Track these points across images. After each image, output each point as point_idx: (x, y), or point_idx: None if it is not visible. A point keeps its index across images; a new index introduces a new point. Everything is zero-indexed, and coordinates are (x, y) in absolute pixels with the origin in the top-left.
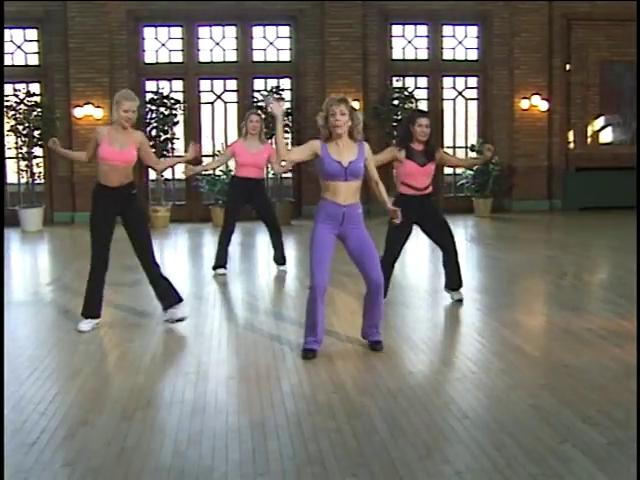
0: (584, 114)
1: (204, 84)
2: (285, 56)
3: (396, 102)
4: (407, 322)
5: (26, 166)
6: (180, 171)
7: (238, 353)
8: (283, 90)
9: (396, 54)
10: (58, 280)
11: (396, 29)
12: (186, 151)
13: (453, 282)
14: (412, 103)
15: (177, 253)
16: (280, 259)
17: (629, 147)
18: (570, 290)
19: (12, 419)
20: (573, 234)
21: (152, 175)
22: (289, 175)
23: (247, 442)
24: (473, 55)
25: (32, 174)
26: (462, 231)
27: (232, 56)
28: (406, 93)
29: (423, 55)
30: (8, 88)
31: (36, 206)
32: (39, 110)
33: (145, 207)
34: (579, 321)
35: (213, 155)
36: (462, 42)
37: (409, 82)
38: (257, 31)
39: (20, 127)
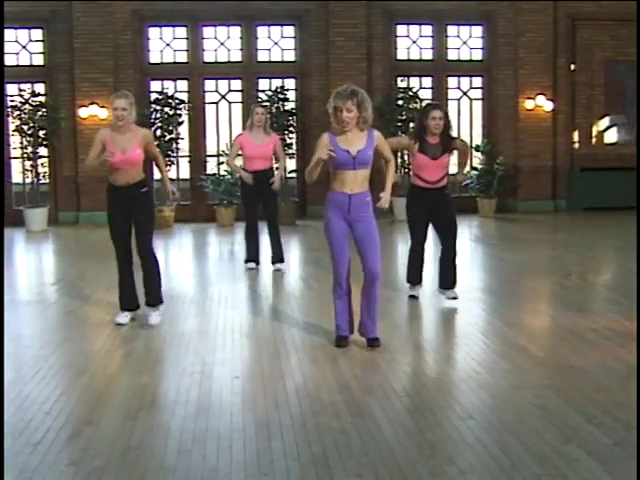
0: (589, 114)
1: (209, 84)
2: (290, 56)
3: (401, 102)
4: (411, 322)
5: (31, 166)
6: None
7: (242, 353)
8: (288, 90)
9: (401, 54)
10: (63, 280)
11: (401, 29)
12: (190, 152)
13: (447, 281)
14: (417, 103)
15: (182, 253)
16: (277, 258)
17: (634, 147)
18: (575, 290)
19: (17, 418)
20: (577, 234)
21: (157, 175)
22: (294, 175)
23: (251, 442)
24: (478, 55)
25: (37, 174)
26: (467, 231)
27: (237, 56)
28: (411, 93)
29: (428, 55)
30: (13, 88)
31: (41, 206)
32: (44, 110)
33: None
34: (584, 321)
35: (218, 155)
36: (467, 42)
37: (414, 82)
38: (262, 31)
39: (25, 127)
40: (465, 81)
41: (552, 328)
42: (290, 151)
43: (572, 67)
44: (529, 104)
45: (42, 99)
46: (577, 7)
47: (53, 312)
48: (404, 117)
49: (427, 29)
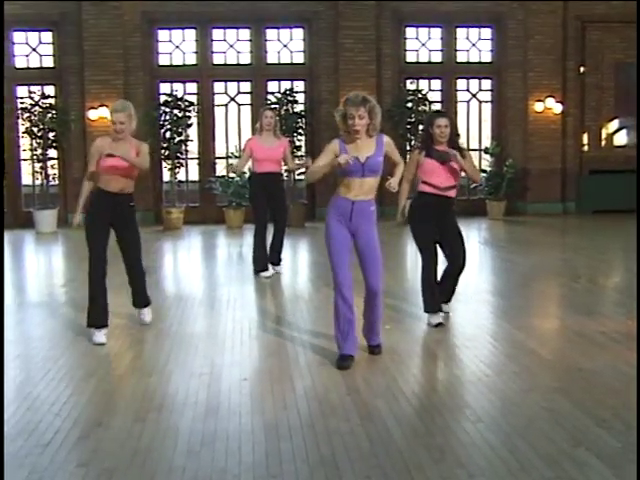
0: (598, 116)
1: (218, 86)
2: (299, 58)
3: (410, 104)
4: (420, 325)
5: (41, 168)
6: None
7: (251, 355)
8: (297, 92)
9: (410, 56)
10: (72, 281)
11: (410, 31)
12: (199, 154)
13: (446, 294)
14: (426, 105)
15: (191, 254)
16: (276, 260)
17: None
18: (584, 293)
19: (27, 419)
20: (587, 237)
21: (166, 177)
22: (303, 177)
23: (260, 444)
24: (487, 57)
25: (47, 176)
26: (475, 234)
27: (246, 58)
28: (420, 95)
29: (437, 57)
30: (23, 90)
31: (50, 208)
32: (54, 112)
33: (159, 208)
34: (593, 324)
35: (227, 157)
36: (476, 44)
37: (423, 84)
38: (271, 33)
39: (35, 129)
40: (474, 83)
41: (561, 331)
42: (299, 153)
43: (582, 69)
44: (538, 106)
45: (52, 101)
46: (587, 9)
47: (62, 313)
48: (413, 119)
49: (436, 31)
